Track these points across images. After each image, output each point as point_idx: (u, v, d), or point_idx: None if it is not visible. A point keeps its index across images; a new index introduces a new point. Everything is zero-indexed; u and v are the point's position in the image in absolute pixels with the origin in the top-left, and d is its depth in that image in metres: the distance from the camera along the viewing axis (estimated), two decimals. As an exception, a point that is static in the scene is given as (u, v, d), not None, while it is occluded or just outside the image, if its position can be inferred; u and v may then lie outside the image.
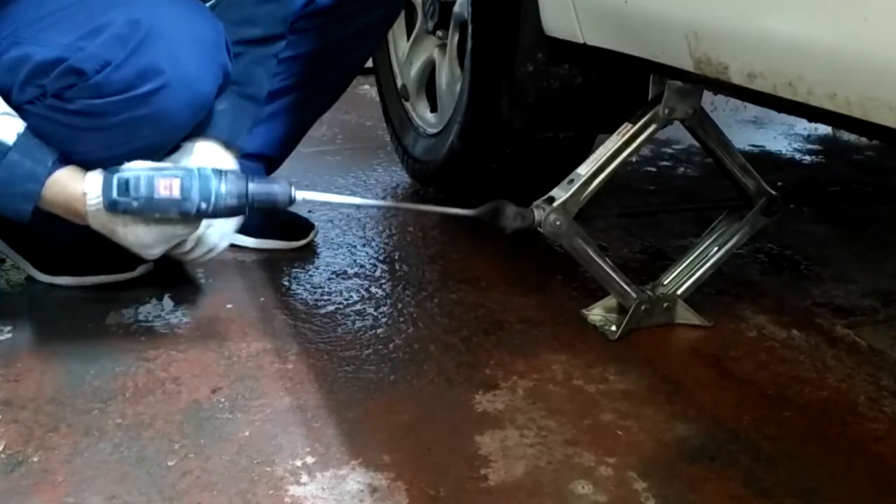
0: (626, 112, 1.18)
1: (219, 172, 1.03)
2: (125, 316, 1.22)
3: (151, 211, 1.01)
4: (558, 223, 1.13)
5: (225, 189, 1.01)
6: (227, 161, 1.15)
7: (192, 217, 1.02)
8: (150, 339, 1.16)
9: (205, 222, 1.09)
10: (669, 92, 1.13)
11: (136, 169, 1.01)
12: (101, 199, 1.00)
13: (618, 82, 1.35)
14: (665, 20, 1.00)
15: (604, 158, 1.15)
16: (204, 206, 1.01)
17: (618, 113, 1.23)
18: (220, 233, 1.15)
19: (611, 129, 1.19)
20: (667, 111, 1.14)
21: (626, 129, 1.16)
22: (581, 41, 1.19)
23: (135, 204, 1.00)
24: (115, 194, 0.99)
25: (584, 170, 1.15)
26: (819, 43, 0.79)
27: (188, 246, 1.11)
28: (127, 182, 0.99)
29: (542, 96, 1.35)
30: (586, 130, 1.47)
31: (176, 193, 1.00)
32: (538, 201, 1.15)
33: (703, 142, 1.20)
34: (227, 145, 1.16)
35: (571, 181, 1.15)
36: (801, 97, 0.83)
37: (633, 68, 1.16)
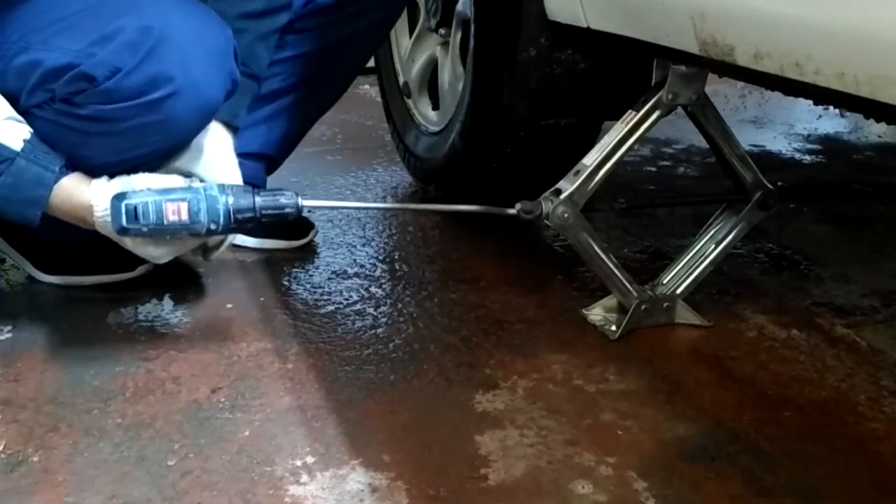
0: (628, 98, 1.18)
1: (224, 189, 1.03)
2: (125, 316, 1.22)
3: (162, 234, 1.03)
4: (566, 215, 1.13)
5: (233, 207, 1.03)
6: (227, 140, 1.15)
7: (201, 236, 1.04)
8: (150, 339, 1.16)
9: None
10: (673, 77, 1.12)
11: (142, 193, 1.01)
12: (108, 212, 1.01)
13: (621, 68, 1.34)
14: (670, 1, 0.99)
15: (609, 147, 1.14)
16: (213, 226, 1.02)
17: (620, 99, 1.22)
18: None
19: (613, 116, 1.18)
20: (670, 97, 1.13)
21: (630, 117, 1.15)
22: (584, 25, 1.18)
23: (145, 230, 1.01)
24: (124, 222, 1.00)
25: (590, 160, 1.14)
26: (828, 20, 0.78)
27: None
28: (135, 209, 1.00)
29: (545, 82, 1.34)
30: (588, 117, 1.47)
31: (185, 217, 1.01)
32: (546, 193, 1.15)
33: (704, 129, 1.19)
34: (227, 124, 1.16)
35: (577, 172, 1.14)
36: (809, 77, 0.82)
37: (637, 53, 1.15)
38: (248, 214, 1.04)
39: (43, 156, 1.00)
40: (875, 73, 0.75)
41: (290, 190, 1.07)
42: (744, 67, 0.91)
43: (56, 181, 1.01)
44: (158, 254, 1.07)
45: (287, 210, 1.06)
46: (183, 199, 1.01)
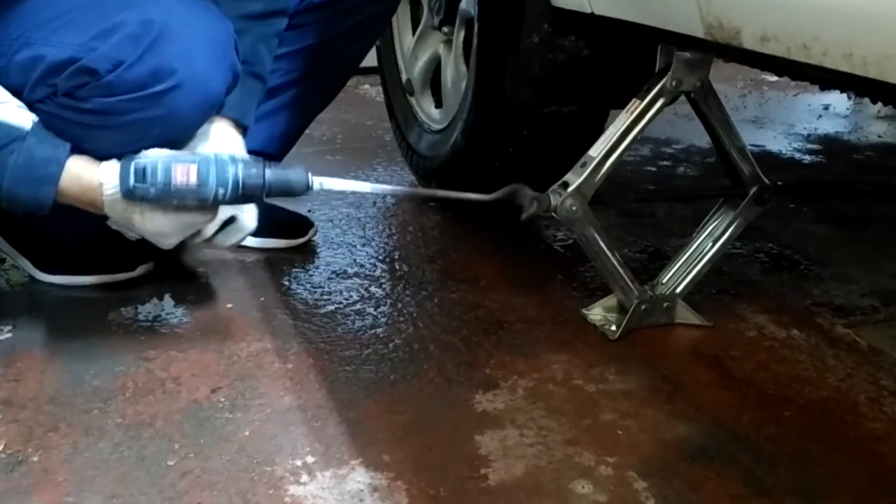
0: (630, 86, 1.17)
1: (235, 160, 1.02)
2: (125, 315, 1.22)
3: (169, 198, 1.00)
4: (574, 208, 1.13)
5: (242, 175, 1.01)
6: (237, 139, 1.15)
7: (209, 204, 1.02)
8: (150, 339, 1.16)
9: (236, 207, 1.09)
10: (677, 63, 1.11)
11: (153, 156, 1.01)
12: (117, 187, 1.00)
13: (624, 55, 1.34)
14: None
15: (615, 138, 1.14)
16: (221, 192, 1.01)
17: (622, 86, 1.22)
18: (253, 219, 1.14)
19: (615, 104, 1.17)
20: (674, 83, 1.12)
21: (635, 106, 1.14)
22: (588, 11, 1.17)
23: (152, 191, 0.99)
24: (132, 181, 0.99)
25: (596, 151, 1.14)
26: (836, 0, 0.78)
27: (209, 232, 1.11)
28: (144, 169, 0.99)
29: (548, 68, 1.34)
30: (591, 104, 1.46)
31: (193, 180, 1.00)
32: (554, 186, 1.14)
33: (706, 118, 1.18)
34: (237, 123, 1.16)
35: (584, 164, 1.14)
36: (816, 59, 0.81)
37: (641, 39, 1.15)
38: (257, 183, 1.02)
39: (52, 136, 1.00)
40: (884, 54, 0.74)
41: (300, 166, 1.06)
42: (750, 51, 0.90)
43: (67, 158, 1.00)
44: (167, 228, 1.04)
45: (296, 186, 1.04)
46: (192, 163, 1.00)
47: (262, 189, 1.03)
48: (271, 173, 1.03)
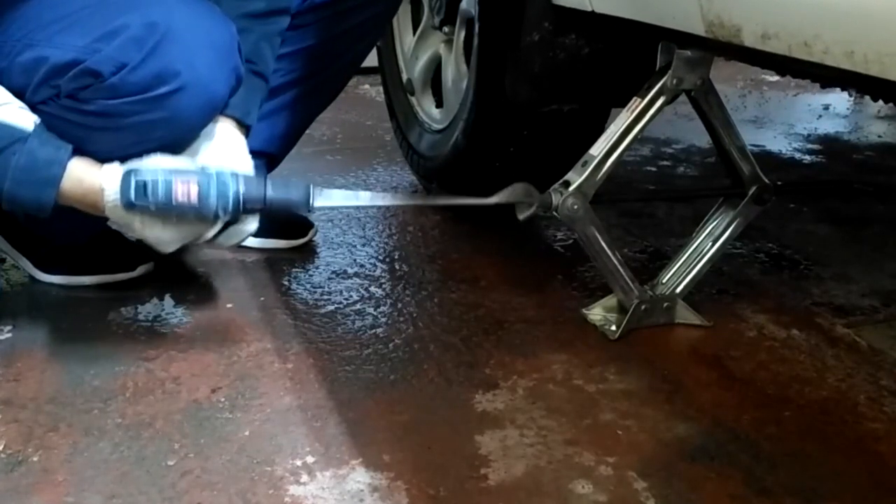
0: (631, 84, 1.17)
1: (236, 177, 1.03)
2: (125, 315, 1.22)
3: (169, 213, 1.01)
4: (576, 207, 1.13)
5: (243, 195, 1.02)
6: (239, 139, 1.15)
7: (209, 220, 1.03)
8: (150, 339, 1.16)
9: None
10: (678, 62, 1.11)
11: (154, 170, 1.01)
12: (118, 196, 1.00)
13: (624, 53, 1.34)
14: None
15: (615, 136, 1.14)
16: (222, 212, 1.01)
17: (622, 85, 1.22)
18: (254, 220, 1.14)
19: (616, 102, 1.17)
20: (675, 82, 1.12)
21: (636, 105, 1.14)
22: (589, 9, 1.17)
23: (152, 207, 1.00)
24: (132, 197, 0.99)
25: (597, 150, 1.14)
26: None
27: (210, 234, 1.10)
28: (145, 185, 0.99)
29: (548, 67, 1.33)
30: (592, 103, 1.46)
31: (194, 199, 1.00)
32: (555, 185, 1.14)
33: (706, 116, 1.18)
34: (240, 122, 1.16)
35: (585, 163, 1.14)
36: (817, 57, 0.81)
37: (641, 37, 1.15)
38: (258, 205, 1.03)
39: (54, 138, 1.00)
40: (885, 52, 0.74)
41: (303, 182, 1.06)
42: (751, 49, 0.90)
43: (69, 160, 1.00)
44: (166, 237, 1.05)
45: (297, 205, 1.05)
46: (194, 181, 1.00)
47: (263, 207, 1.03)
48: (273, 192, 1.03)
